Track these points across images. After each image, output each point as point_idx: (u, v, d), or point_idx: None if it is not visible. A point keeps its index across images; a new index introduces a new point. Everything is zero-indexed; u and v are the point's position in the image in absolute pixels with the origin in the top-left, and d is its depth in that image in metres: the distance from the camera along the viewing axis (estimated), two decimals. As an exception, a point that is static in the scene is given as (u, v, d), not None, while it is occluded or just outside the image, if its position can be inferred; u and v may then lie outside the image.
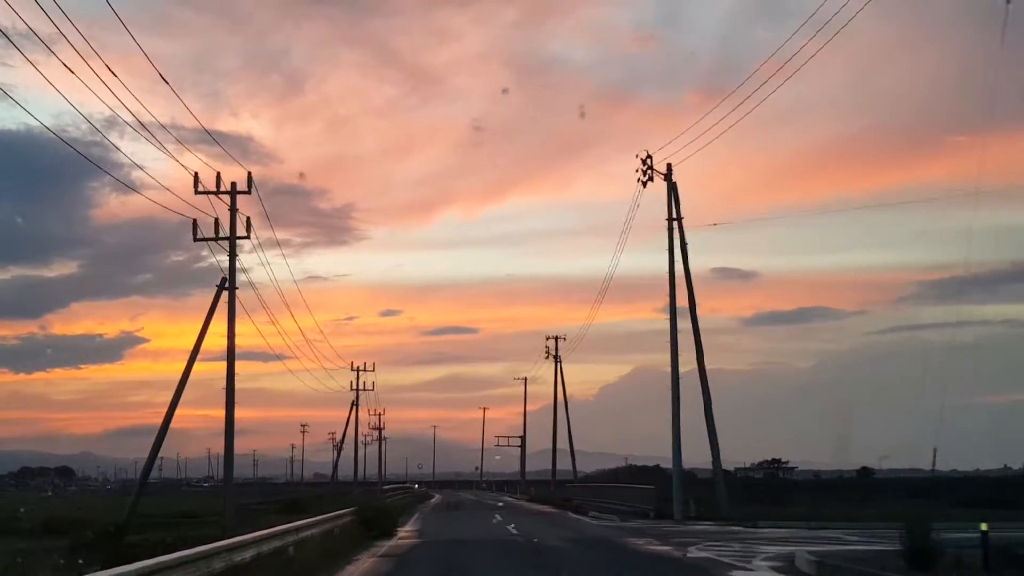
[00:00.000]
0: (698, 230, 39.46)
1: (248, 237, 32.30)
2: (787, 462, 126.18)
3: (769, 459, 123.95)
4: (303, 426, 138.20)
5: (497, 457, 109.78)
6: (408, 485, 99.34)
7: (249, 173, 32.05)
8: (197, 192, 31.39)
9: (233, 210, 32.29)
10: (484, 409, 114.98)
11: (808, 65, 29.76)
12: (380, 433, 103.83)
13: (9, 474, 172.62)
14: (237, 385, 32.76)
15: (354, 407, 78.03)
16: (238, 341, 33.53)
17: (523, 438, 78.76)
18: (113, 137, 59.23)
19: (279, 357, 68.71)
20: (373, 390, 78.33)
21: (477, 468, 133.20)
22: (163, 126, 37.32)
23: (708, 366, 38.34)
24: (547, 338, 72.46)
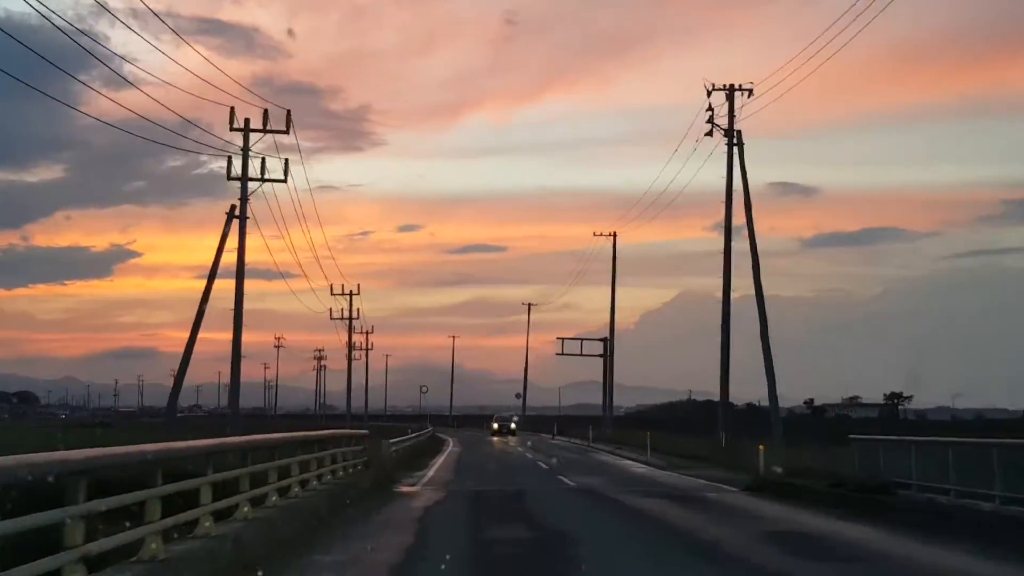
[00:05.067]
0: (756, 139, 40.22)
1: (284, 181, 34.52)
2: (858, 397, 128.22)
3: (845, 396, 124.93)
4: (319, 353, 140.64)
5: (514, 396, 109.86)
6: (413, 427, 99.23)
7: (288, 112, 34.30)
8: (232, 129, 33.73)
9: (246, 151, 34.41)
10: (529, 307, 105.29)
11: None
12: (367, 356, 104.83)
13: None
14: (232, 306, 34.49)
15: (346, 326, 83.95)
16: (234, 257, 35.51)
17: (608, 347, 72.06)
18: (103, 27, 59.88)
19: (282, 275, 74.98)
20: (359, 317, 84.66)
21: (502, 406, 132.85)
22: (157, 15, 38.64)
23: (764, 292, 39.12)
24: (595, 234, 71.69)
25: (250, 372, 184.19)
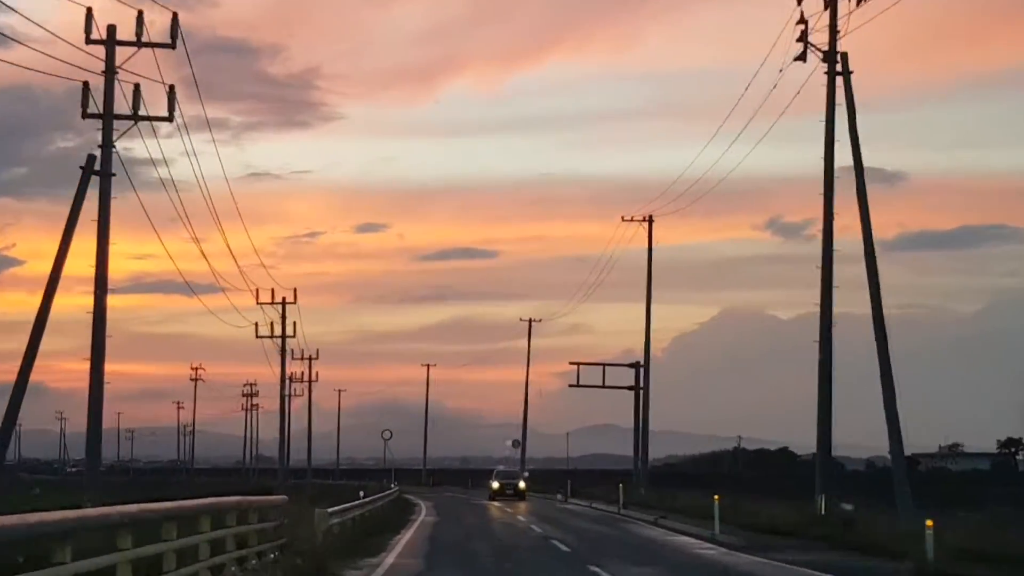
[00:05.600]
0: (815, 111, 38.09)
1: (171, 119, 33.50)
2: (959, 445, 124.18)
3: (943, 443, 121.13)
4: (248, 387, 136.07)
5: (508, 444, 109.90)
6: (372, 487, 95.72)
7: (175, 15, 33.09)
8: (89, 41, 32.15)
9: (110, 72, 32.39)
10: (529, 323, 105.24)
11: None
12: (309, 390, 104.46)
13: None
14: (145, 329, 31.68)
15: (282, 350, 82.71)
16: (143, 266, 35.62)
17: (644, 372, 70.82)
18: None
19: (191, 289, 67.07)
20: (294, 335, 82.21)
21: (497, 456, 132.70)
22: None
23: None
24: (625, 219, 71.55)
25: (161, 415, 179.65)
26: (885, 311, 38.04)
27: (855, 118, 37.92)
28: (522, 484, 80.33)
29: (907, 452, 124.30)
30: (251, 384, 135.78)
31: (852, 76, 37.74)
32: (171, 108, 33.18)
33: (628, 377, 73.23)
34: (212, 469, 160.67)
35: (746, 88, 42.24)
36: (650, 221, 71.32)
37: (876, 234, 38.66)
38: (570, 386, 74.41)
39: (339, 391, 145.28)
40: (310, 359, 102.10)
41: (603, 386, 73.07)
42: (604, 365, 73.54)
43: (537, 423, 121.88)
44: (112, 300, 34.47)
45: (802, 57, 38.08)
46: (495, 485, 79.63)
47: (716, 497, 39.60)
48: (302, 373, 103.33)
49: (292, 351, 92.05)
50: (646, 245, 70.97)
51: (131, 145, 37.99)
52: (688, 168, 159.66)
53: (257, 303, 75.17)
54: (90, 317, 32.89)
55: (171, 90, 33.05)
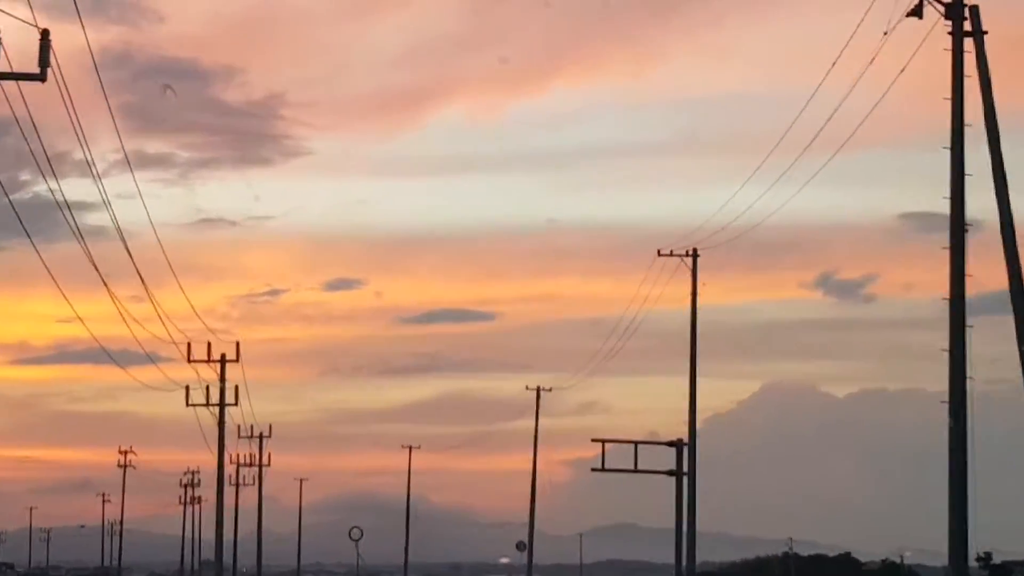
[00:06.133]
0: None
1: (43, 77, 30.73)
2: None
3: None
4: (190, 475, 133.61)
5: (503, 561, 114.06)
6: None
7: (44, 33, 30.35)
8: None
9: None
10: (538, 392, 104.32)
11: None
12: (260, 477, 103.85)
13: None
14: (70, 407, 28.85)
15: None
16: (71, 331, 33.76)
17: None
18: None
19: (110, 359, 63.42)
20: (236, 404, 78.58)
21: (487, 563, 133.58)
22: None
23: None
24: (662, 253, 71.81)
25: (89, 510, 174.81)
26: (979, 388, 36.09)
27: (991, 94, 34.79)
28: None
29: (998, 558, 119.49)
30: (193, 472, 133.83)
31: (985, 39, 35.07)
32: (44, 60, 30.33)
33: (662, 461, 70.91)
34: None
35: (800, 112, 42.14)
36: (694, 256, 71.46)
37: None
38: (593, 470, 71.66)
39: (301, 480, 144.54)
40: (261, 437, 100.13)
41: (635, 470, 70.06)
42: (636, 443, 70.72)
43: (544, 523, 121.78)
44: (31, 372, 31.85)
45: (917, 12, 35.48)
46: None
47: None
48: (251, 456, 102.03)
49: (240, 428, 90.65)
50: (675, 304, 72.87)
51: (60, 186, 37.06)
52: (718, 212, 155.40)
53: (188, 361, 72.48)
54: (7, 389, 29.23)
55: (44, 36, 30.06)
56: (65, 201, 34.33)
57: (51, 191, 34.35)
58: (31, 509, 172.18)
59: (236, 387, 78.59)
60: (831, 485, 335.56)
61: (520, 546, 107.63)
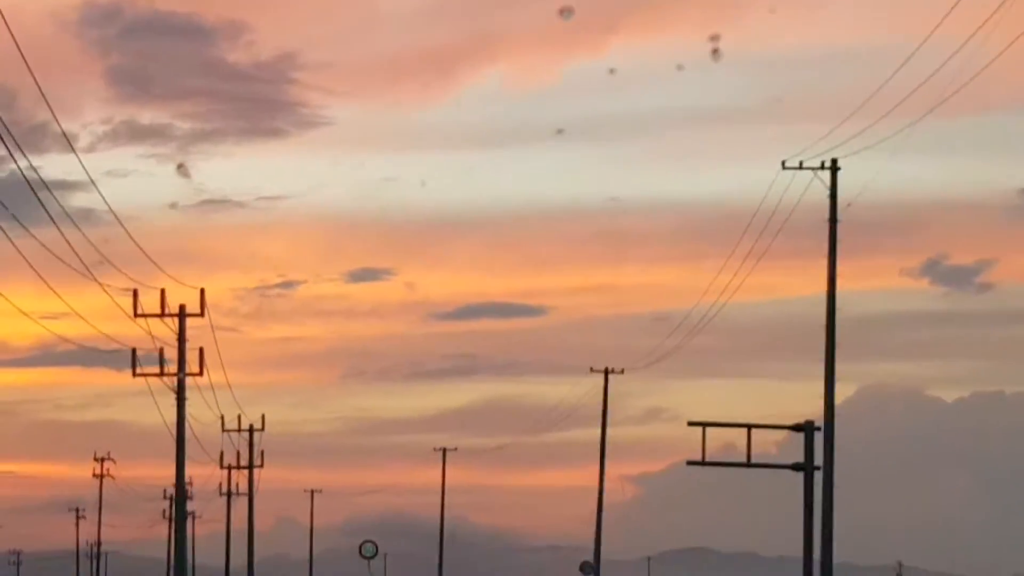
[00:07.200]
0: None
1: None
2: None
3: None
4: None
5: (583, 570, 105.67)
6: None
7: None
8: None
9: None
10: (606, 374, 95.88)
11: None
12: (251, 486, 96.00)
13: None
14: (55, 416, 19.38)
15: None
16: (57, 328, 39.86)
17: None
18: None
19: (100, 359, 67.07)
20: (201, 374, 69.06)
21: None
22: None
23: (1020, 384, 22.31)
24: (787, 166, 64.39)
25: (61, 533, 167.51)
26: None
27: None
28: None
29: None
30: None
31: None
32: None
33: (774, 455, 69.14)
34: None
35: (899, 67, 43.60)
36: (834, 169, 61.68)
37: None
38: (689, 463, 60.94)
39: (312, 492, 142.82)
40: (251, 429, 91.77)
41: (748, 464, 58.13)
42: (749, 426, 58.86)
43: (604, 545, 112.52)
44: (10, 376, 17.31)
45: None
46: None
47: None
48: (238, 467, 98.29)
49: (223, 419, 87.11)
50: (737, 300, 66.71)
51: (41, 163, 37.87)
52: (807, 190, 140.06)
53: (136, 316, 63.69)
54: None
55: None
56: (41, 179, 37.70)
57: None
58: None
59: (201, 349, 68.03)
60: (941, 503, 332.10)
61: (585, 567, 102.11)
